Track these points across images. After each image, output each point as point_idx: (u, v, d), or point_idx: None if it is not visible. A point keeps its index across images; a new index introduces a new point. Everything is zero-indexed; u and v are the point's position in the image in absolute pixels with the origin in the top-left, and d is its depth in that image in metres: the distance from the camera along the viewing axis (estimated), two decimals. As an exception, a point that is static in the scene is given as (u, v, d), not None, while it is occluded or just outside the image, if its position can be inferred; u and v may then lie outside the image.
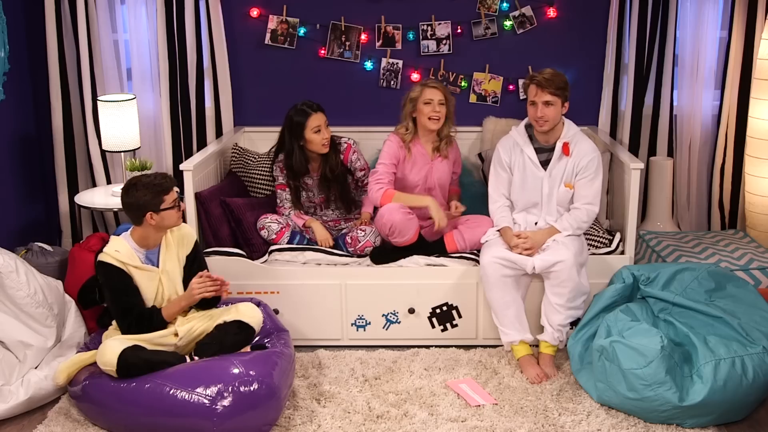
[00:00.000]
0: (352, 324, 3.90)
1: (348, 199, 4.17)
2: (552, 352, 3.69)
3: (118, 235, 3.38)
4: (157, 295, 3.33)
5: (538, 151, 3.81)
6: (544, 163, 3.80)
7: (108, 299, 3.27)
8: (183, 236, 3.44)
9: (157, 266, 3.33)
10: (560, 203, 3.81)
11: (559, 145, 3.77)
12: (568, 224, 3.73)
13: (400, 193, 3.91)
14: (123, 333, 3.26)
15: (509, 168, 3.87)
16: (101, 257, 3.24)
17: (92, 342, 3.51)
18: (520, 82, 4.65)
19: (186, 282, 3.41)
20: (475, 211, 4.12)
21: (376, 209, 4.00)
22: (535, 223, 3.84)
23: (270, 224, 3.98)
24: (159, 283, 3.32)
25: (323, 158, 4.08)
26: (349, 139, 4.16)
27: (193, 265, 3.44)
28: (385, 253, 3.89)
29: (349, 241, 3.94)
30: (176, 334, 3.32)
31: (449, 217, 3.93)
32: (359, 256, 3.93)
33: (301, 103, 4.01)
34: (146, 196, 3.22)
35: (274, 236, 3.97)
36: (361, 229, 3.94)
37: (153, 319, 3.28)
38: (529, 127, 3.87)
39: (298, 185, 4.11)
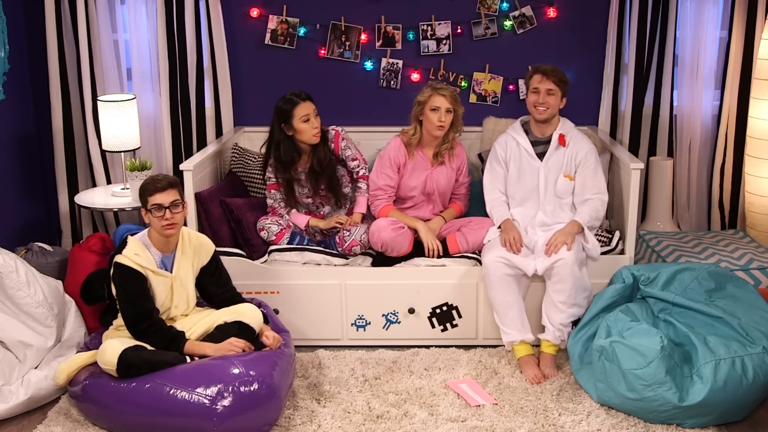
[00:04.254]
0: (352, 324, 3.90)
1: (337, 192, 4.03)
2: (553, 352, 3.68)
3: (120, 235, 3.36)
4: (166, 299, 3.33)
5: (534, 143, 3.88)
6: (540, 155, 3.85)
7: (123, 301, 3.23)
8: (201, 246, 3.42)
9: (171, 271, 3.33)
10: (560, 194, 3.83)
11: (555, 136, 3.83)
12: (587, 215, 3.76)
13: (395, 211, 3.96)
14: (134, 336, 3.24)
15: (505, 163, 3.91)
16: (120, 259, 3.21)
17: (92, 342, 3.51)
18: (520, 82, 4.64)
19: (200, 288, 3.45)
20: (476, 211, 4.13)
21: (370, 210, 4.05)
22: (534, 218, 3.85)
23: (270, 225, 3.98)
24: (170, 288, 3.32)
25: (312, 150, 3.98)
26: (335, 126, 4.06)
27: (212, 276, 3.45)
28: (386, 259, 3.89)
29: (338, 240, 3.93)
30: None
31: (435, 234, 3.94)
32: (346, 256, 3.93)
33: (289, 93, 3.92)
34: (139, 192, 3.27)
35: (273, 237, 3.97)
36: (347, 229, 3.92)
37: (171, 344, 3.22)
38: (525, 123, 3.93)
39: (290, 179, 4.01)
